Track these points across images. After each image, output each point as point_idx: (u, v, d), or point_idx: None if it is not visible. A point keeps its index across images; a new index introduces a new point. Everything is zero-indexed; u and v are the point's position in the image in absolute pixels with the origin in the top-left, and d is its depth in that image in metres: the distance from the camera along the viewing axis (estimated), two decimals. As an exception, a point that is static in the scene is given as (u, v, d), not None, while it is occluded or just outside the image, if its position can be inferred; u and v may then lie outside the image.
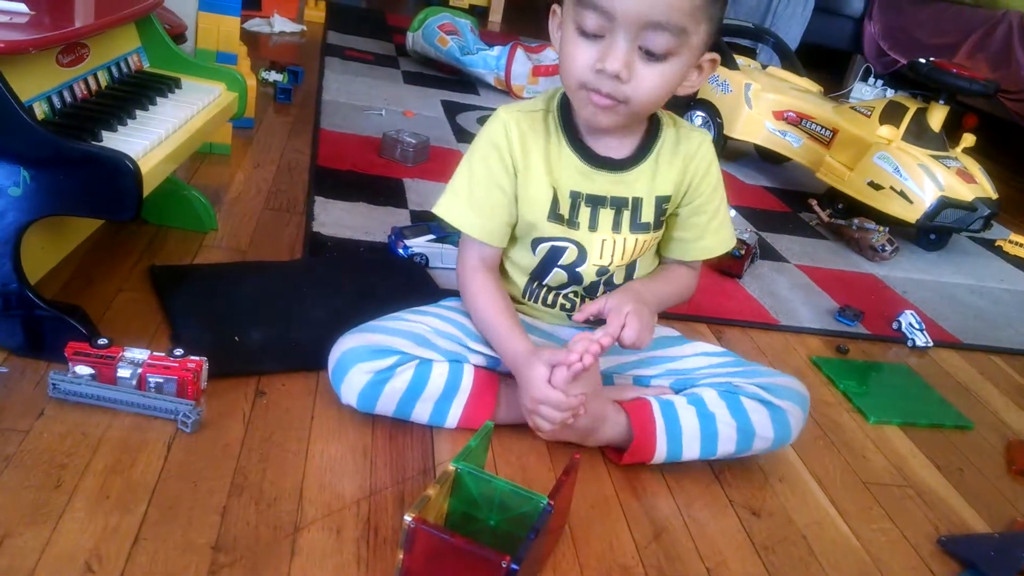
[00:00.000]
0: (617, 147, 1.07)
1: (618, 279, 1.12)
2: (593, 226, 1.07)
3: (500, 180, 1.06)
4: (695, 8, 0.91)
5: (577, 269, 1.09)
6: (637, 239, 1.09)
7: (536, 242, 1.09)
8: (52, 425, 0.94)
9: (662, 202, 1.09)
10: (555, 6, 1.02)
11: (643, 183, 1.08)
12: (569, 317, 1.14)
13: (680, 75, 0.97)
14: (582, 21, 0.93)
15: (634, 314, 1.00)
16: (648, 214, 1.08)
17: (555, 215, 1.07)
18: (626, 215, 1.08)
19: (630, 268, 1.13)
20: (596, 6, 0.91)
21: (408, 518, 0.77)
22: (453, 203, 1.09)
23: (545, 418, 1.00)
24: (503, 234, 1.09)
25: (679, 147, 1.09)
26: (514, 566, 0.74)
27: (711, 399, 1.07)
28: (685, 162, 1.09)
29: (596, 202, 1.07)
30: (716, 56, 1.01)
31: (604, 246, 1.08)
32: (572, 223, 1.07)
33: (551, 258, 1.10)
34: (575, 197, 1.06)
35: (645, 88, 0.95)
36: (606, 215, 1.07)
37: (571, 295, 1.13)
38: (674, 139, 1.09)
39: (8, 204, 0.97)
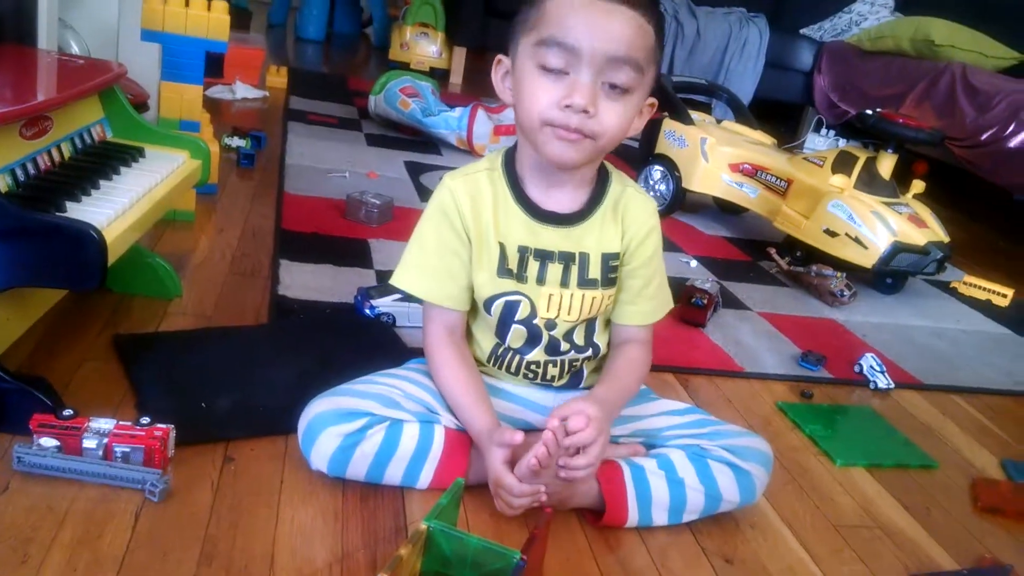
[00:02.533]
0: (564, 202, 1.09)
1: (578, 337, 1.13)
2: (541, 279, 1.08)
3: (453, 246, 1.08)
4: (649, 48, 0.98)
5: (533, 322, 1.10)
6: (584, 295, 1.09)
7: (490, 302, 1.09)
8: (17, 499, 0.93)
9: (609, 259, 1.10)
10: (500, 56, 1.05)
11: (591, 239, 1.09)
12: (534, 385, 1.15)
13: (635, 112, 1.01)
14: (544, 59, 0.96)
15: (595, 422, 0.97)
16: (595, 270, 1.09)
17: (504, 270, 1.08)
18: (574, 270, 1.09)
19: (589, 327, 1.13)
20: (561, 44, 0.94)
21: (381, 579, 0.77)
22: (409, 272, 1.11)
23: (505, 503, 1.01)
24: (463, 298, 1.10)
25: (619, 208, 1.11)
26: (489, 623, 0.74)
27: (680, 463, 1.07)
28: (624, 225, 1.11)
29: (544, 256, 1.08)
30: (654, 100, 1.05)
31: (551, 300, 1.09)
32: (520, 276, 1.08)
33: (507, 314, 1.10)
34: (523, 252, 1.08)
35: (609, 122, 0.98)
36: (554, 269, 1.08)
37: (534, 367, 1.14)
38: (617, 199, 1.11)
39: (-29, 277, 0.97)
